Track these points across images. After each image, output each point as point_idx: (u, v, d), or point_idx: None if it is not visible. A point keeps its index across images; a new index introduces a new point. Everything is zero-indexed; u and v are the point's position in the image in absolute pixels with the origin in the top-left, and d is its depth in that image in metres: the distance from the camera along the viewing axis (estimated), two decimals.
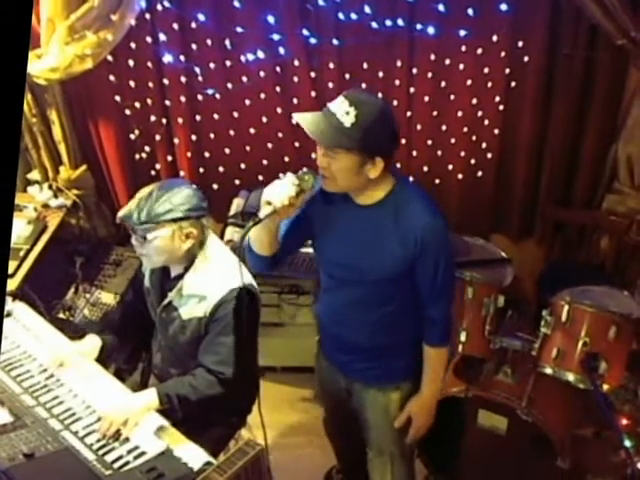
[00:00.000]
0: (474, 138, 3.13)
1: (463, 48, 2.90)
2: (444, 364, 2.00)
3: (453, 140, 3.14)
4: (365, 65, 2.95)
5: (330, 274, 1.91)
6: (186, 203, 1.85)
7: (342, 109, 1.60)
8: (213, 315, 1.91)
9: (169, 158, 3.17)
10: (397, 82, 2.98)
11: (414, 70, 2.96)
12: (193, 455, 1.72)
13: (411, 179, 2.95)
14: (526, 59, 2.92)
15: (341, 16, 2.78)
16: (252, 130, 3.10)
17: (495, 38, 2.88)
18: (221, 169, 3.21)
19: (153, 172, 3.19)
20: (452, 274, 1.90)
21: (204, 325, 1.94)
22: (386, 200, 1.75)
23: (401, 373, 2.00)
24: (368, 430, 2.11)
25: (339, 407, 2.22)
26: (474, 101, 3.04)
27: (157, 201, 1.83)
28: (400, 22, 2.81)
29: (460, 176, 3.21)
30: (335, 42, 2.85)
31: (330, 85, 2.96)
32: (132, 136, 3.12)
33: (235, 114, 3.07)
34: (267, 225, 1.70)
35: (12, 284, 2.50)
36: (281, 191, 1.64)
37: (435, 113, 3.08)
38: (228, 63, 2.92)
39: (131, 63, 2.92)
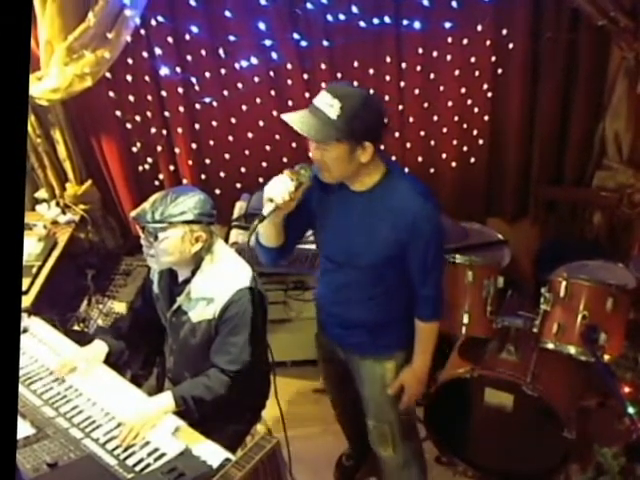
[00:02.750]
0: (465, 126, 3.20)
1: (449, 40, 2.98)
2: (435, 337, 2.06)
3: (445, 129, 3.21)
4: (356, 63, 3.01)
5: (328, 257, 2.00)
6: (199, 207, 1.90)
7: (326, 103, 1.67)
8: (222, 316, 1.94)
9: (171, 168, 3.21)
10: (387, 77, 3.05)
11: (403, 65, 3.03)
12: (212, 453, 1.75)
13: (406, 170, 3.02)
14: (511, 46, 3.00)
15: (329, 18, 2.85)
16: (250, 134, 3.15)
17: (480, 28, 2.95)
18: (222, 174, 3.26)
19: (157, 182, 3.23)
20: (442, 254, 1.97)
21: (214, 327, 1.97)
22: (378, 186, 1.82)
23: (395, 344, 2.08)
24: (367, 401, 2.19)
25: (340, 381, 2.31)
26: (463, 90, 3.11)
27: (172, 202, 1.88)
28: (387, 19, 2.87)
29: (454, 164, 3.28)
30: (325, 43, 2.91)
31: (323, 85, 2.95)
32: (134, 149, 3.16)
33: (233, 120, 3.12)
34: (272, 220, 1.79)
35: (26, 301, 2.52)
36: (281, 187, 1.72)
37: (426, 105, 3.15)
38: (223, 71, 2.97)
39: (129, 78, 2.97)
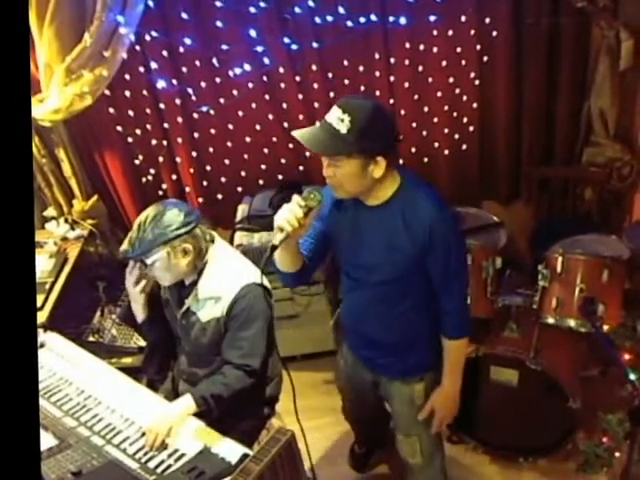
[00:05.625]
0: (455, 114, 3.26)
1: (435, 32, 3.04)
2: (463, 356, 2.00)
3: (436, 119, 3.27)
4: (346, 62, 3.07)
5: (349, 275, 1.95)
6: (172, 224, 1.91)
7: (336, 117, 1.63)
8: (230, 313, 1.96)
9: (174, 177, 3.26)
10: (377, 73, 3.10)
11: (392, 60, 3.09)
12: (230, 450, 1.76)
13: (401, 162, 3.07)
14: (494, 34, 3.06)
15: (318, 20, 2.90)
16: (248, 139, 3.20)
17: (463, 18, 3.01)
18: (223, 179, 3.31)
19: (160, 192, 3.29)
20: (464, 264, 1.91)
21: (223, 324, 1.99)
22: (394, 199, 1.77)
23: (424, 365, 2.03)
24: (395, 417, 2.18)
25: (363, 399, 2.28)
26: (451, 80, 3.17)
27: (145, 231, 1.90)
28: (373, 17, 2.93)
29: (446, 152, 3.34)
30: (315, 45, 2.97)
31: (315, 86, 3.07)
32: (137, 161, 3.22)
33: (230, 126, 3.17)
34: (285, 248, 1.73)
35: (42, 316, 2.54)
36: (289, 215, 1.66)
37: (416, 97, 3.21)
38: (218, 80, 3.02)
39: (128, 94, 3.02)
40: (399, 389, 2.08)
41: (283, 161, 3.29)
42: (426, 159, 3.38)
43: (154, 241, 1.90)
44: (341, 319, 2.19)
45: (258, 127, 3.18)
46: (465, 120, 3.29)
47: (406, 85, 3.17)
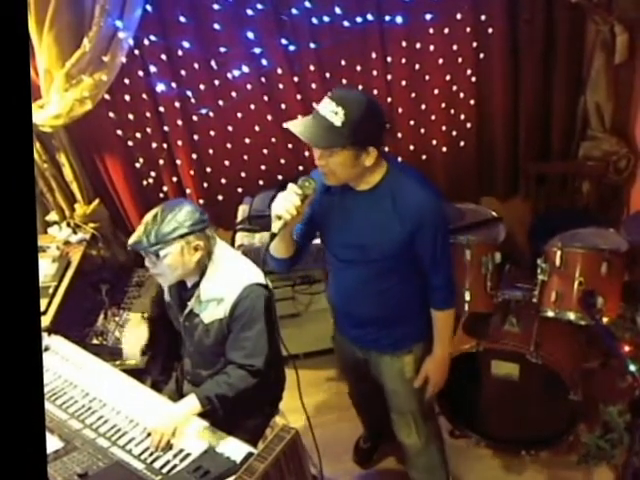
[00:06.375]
0: (452, 112, 3.28)
1: (431, 31, 3.05)
2: (452, 325, 2.11)
3: (433, 117, 3.28)
4: (343, 62, 3.08)
5: (338, 257, 2.02)
6: (189, 219, 1.94)
7: (330, 110, 1.68)
8: (233, 314, 1.99)
9: (174, 179, 3.27)
10: (374, 72, 3.12)
11: (389, 59, 3.11)
12: (234, 448, 1.79)
13: (399, 159, 3.09)
14: (490, 30, 3.08)
15: (314, 20, 2.91)
16: (247, 140, 3.21)
17: (459, 16, 3.03)
18: (223, 181, 3.32)
19: (161, 195, 3.29)
20: (449, 242, 2.01)
21: (226, 325, 2.01)
22: (382, 183, 1.85)
23: (412, 338, 2.11)
24: (388, 395, 2.25)
25: (360, 378, 2.35)
26: (448, 77, 3.19)
27: (163, 222, 1.92)
28: (369, 17, 2.95)
29: (444, 149, 3.36)
30: (312, 46, 2.98)
31: (313, 86, 3.08)
32: (137, 165, 3.22)
33: (230, 128, 3.18)
34: (281, 235, 1.80)
35: (46, 320, 2.56)
36: (287, 204, 1.74)
37: (413, 95, 3.22)
38: (216, 82, 3.03)
39: (127, 98, 3.02)
40: (389, 363, 2.15)
41: (283, 161, 3.30)
42: (424, 156, 3.40)
43: (171, 233, 1.92)
44: (330, 301, 2.25)
45: (257, 128, 3.19)
46: (462, 117, 3.31)
47: (403, 83, 3.19)
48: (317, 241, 2.10)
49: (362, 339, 2.17)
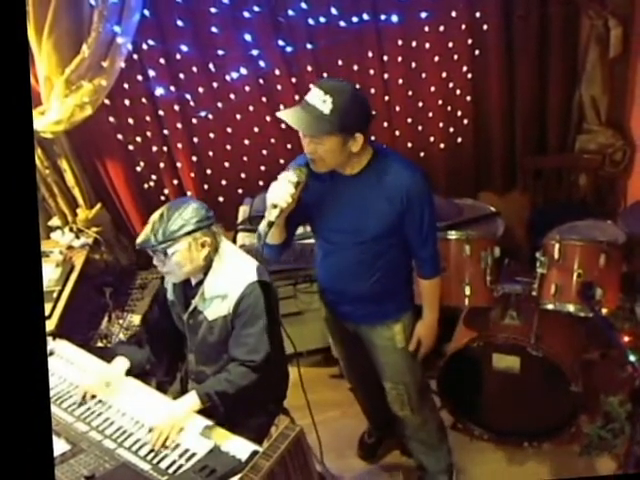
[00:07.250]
0: (449, 108, 3.31)
1: (426, 29, 3.08)
2: (439, 290, 2.20)
3: (431, 114, 3.31)
4: (340, 62, 3.10)
5: (328, 240, 2.08)
6: (195, 216, 1.96)
7: (319, 99, 1.78)
8: (236, 310, 1.99)
9: (175, 182, 3.29)
10: (371, 71, 3.14)
11: (385, 58, 3.13)
12: (239, 447, 1.78)
13: None
14: (485, 27, 3.11)
15: (311, 21, 2.94)
16: (246, 141, 3.24)
17: (454, 14, 3.06)
18: (224, 182, 3.34)
19: (163, 197, 3.31)
20: (435, 217, 2.07)
21: (229, 322, 2.02)
22: (368, 167, 1.93)
23: (401, 308, 2.19)
24: (382, 365, 2.29)
25: (354, 355, 2.40)
26: (444, 75, 3.22)
27: (169, 220, 1.94)
28: (365, 16, 2.97)
29: (442, 145, 3.39)
30: (309, 46, 3.00)
31: (311, 87, 3.11)
32: (138, 168, 3.24)
33: (229, 130, 3.20)
34: (277, 222, 1.87)
35: (50, 324, 2.54)
36: (282, 192, 1.81)
37: (410, 93, 3.25)
38: (215, 85, 3.06)
39: (127, 102, 3.04)
40: (380, 333, 2.22)
41: (282, 162, 3.29)
42: (422, 153, 3.42)
43: (178, 230, 1.94)
44: (319, 283, 2.30)
45: (256, 129, 3.21)
46: (459, 114, 3.34)
47: (400, 82, 3.22)
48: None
49: (352, 315, 2.23)
